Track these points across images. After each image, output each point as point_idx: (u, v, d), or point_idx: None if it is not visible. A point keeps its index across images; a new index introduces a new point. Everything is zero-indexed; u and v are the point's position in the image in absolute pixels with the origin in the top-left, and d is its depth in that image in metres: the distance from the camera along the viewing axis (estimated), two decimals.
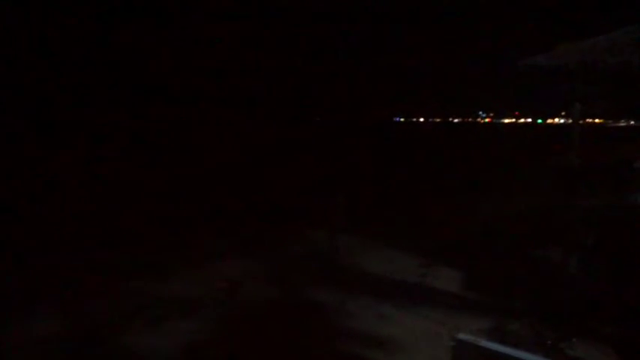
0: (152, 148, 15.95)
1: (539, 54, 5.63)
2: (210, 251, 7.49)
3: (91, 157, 14.29)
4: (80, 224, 8.84)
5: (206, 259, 7.08)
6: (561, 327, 4.53)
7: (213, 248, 7.66)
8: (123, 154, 15.04)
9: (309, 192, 12.20)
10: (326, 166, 16.73)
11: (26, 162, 13.01)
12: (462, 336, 2.53)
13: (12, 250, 7.19)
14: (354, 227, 8.94)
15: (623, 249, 6.62)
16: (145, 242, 7.94)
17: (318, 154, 18.84)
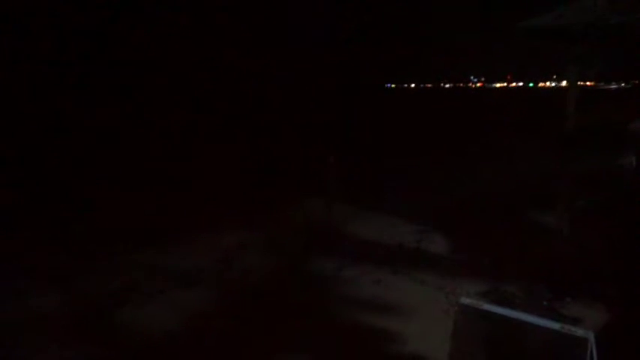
0: (144, 118, 15.70)
1: (536, 16, 5.51)
2: (206, 222, 7.48)
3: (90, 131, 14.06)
4: (77, 198, 8.76)
5: (203, 231, 7.07)
6: (556, 288, 4.61)
7: (209, 219, 7.64)
8: (115, 125, 14.81)
9: (303, 161, 12.14)
10: (320, 134, 16.61)
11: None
12: (464, 300, 2.54)
13: (9, 225, 7.14)
14: (350, 195, 8.94)
15: (617, 210, 6.70)
16: (141, 215, 7.90)
17: (310, 122, 18.67)
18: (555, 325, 2.21)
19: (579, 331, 2.14)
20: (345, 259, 5.75)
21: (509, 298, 4.46)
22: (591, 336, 2.14)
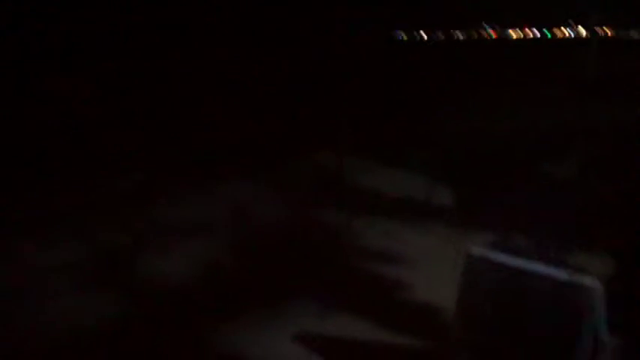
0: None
1: None
2: (217, 174, 7.53)
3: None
4: (89, 152, 8.82)
5: (213, 183, 7.13)
6: (565, 238, 4.65)
7: (220, 171, 7.68)
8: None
9: (313, 113, 12.02)
10: (329, 86, 16.34)
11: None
12: (473, 250, 2.58)
13: (21, 178, 7.25)
14: (360, 147, 8.91)
15: (626, 161, 6.64)
16: (150, 167, 7.96)
17: (318, 75, 18.31)
18: (563, 275, 2.25)
19: (587, 281, 2.18)
20: (356, 211, 5.80)
21: (517, 248, 4.51)
22: (598, 285, 2.18)
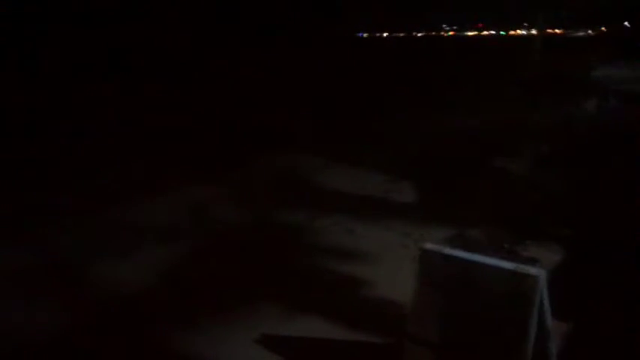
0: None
1: None
2: (174, 177, 7.42)
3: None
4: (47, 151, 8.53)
5: (171, 186, 7.03)
6: (516, 232, 4.83)
7: (177, 174, 7.58)
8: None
9: (271, 112, 12.01)
10: (288, 85, 16.35)
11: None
12: (427, 245, 2.65)
13: None
14: (318, 146, 8.97)
15: (579, 155, 6.97)
16: (107, 170, 7.77)
17: (280, 72, 18.29)
18: (510, 265, 2.34)
19: (531, 270, 2.28)
20: (316, 211, 5.85)
21: (472, 242, 4.67)
22: (543, 274, 2.29)
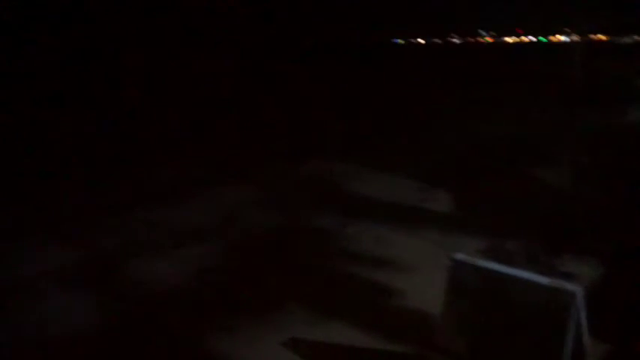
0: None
1: None
2: (208, 180, 7.59)
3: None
4: (86, 156, 8.88)
5: (205, 189, 7.19)
6: (554, 245, 4.70)
7: (211, 177, 7.75)
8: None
9: (305, 120, 12.10)
10: (323, 92, 16.43)
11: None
12: (459, 256, 2.62)
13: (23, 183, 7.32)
14: (353, 152, 8.98)
15: (619, 167, 6.71)
16: (146, 173, 8.02)
17: (314, 80, 18.41)
18: (545, 280, 2.29)
19: (567, 286, 2.22)
20: (348, 217, 5.86)
21: (506, 254, 4.56)
22: (579, 291, 2.22)
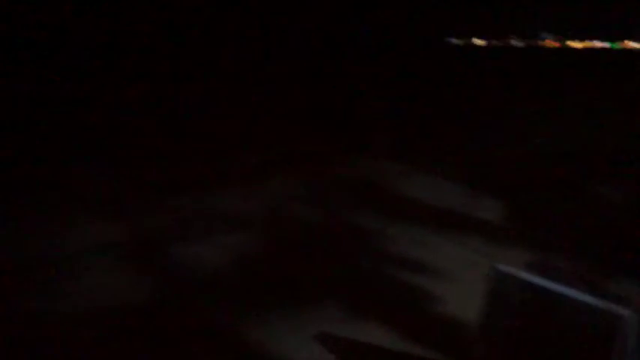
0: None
1: None
2: (253, 169, 7.73)
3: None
4: (144, 139, 9.25)
5: (251, 177, 7.33)
6: (607, 265, 4.46)
7: (256, 166, 7.88)
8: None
9: (355, 117, 12.06)
10: (375, 89, 16.31)
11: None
12: (501, 266, 2.53)
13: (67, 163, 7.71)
14: (401, 153, 8.87)
15: None
16: (189, 159, 8.27)
17: (367, 77, 18.29)
18: (592, 300, 2.17)
19: (617, 309, 2.09)
20: (390, 218, 5.80)
21: (554, 270, 4.37)
22: (630, 315, 2.09)
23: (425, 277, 4.45)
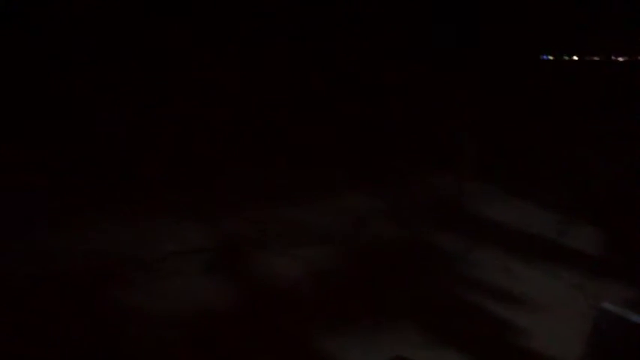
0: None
1: None
2: (336, 184, 7.71)
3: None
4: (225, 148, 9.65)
5: (333, 192, 7.32)
6: None
7: (339, 181, 7.86)
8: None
9: (441, 134, 11.73)
10: (463, 105, 15.80)
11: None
12: (607, 305, 2.29)
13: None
14: (486, 174, 8.45)
15: None
16: (276, 170, 8.44)
17: (448, 93, 17.80)
18: None
19: None
20: (475, 242, 5.52)
21: None
22: None
23: (509, 307, 4.18)
